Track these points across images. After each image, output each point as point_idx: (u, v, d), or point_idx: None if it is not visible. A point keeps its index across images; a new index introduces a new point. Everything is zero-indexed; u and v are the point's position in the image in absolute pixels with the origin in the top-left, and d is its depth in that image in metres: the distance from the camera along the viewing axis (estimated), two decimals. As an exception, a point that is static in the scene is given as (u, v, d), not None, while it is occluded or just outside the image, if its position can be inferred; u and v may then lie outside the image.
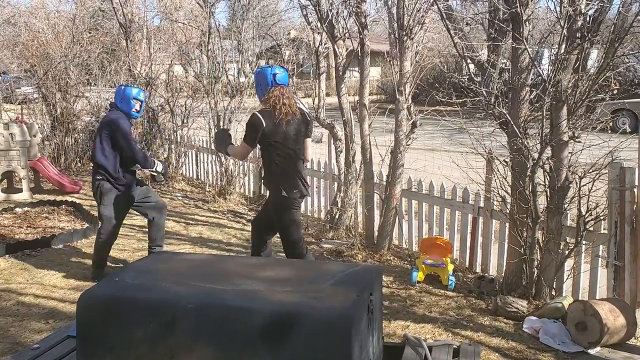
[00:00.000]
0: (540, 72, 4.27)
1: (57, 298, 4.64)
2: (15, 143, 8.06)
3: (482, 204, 5.09)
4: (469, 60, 5.17)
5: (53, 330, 3.98)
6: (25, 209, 7.44)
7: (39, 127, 9.67)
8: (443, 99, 5.15)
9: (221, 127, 4.70)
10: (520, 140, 4.24)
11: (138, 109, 5.05)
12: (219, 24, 8.63)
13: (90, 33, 10.90)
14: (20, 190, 8.27)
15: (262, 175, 4.50)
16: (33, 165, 8.56)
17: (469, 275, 5.07)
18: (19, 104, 11.64)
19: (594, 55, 5.40)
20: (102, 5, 13.50)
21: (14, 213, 7.26)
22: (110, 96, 10.31)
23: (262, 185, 7.93)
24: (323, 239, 6.17)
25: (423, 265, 4.93)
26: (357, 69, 6.44)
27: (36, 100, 11.04)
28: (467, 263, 5.27)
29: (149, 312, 2.19)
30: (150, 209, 5.24)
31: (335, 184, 6.57)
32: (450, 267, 4.89)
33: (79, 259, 5.60)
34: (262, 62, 10.16)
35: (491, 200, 4.96)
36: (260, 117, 4.14)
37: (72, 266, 5.39)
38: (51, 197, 7.89)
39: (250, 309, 2.11)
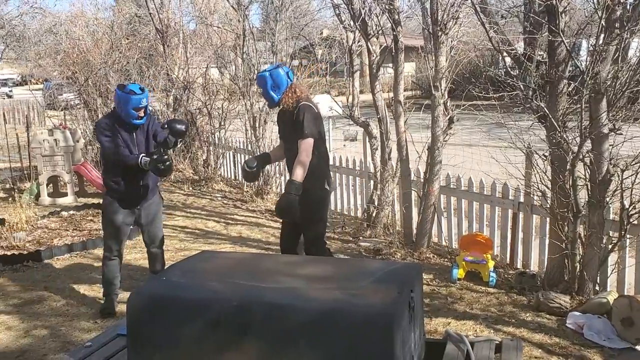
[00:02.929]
0: (578, 64, 4.20)
1: (103, 298, 4.78)
2: (60, 148, 8.32)
3: (522, 199, 5.03)
4: (504, 54, 5.12)
5: (101, 329, 4.12)
6: (71, 212, 7.68)
7: (81, 133, 9.96)
8: (480, 94, 5.11)
9: (247, 166, 4.38)
10: (559, 134, 4.18)
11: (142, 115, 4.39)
12: (252, 26, 8.73)
13: (128, 39, 11.17)
14: (66, 194, 8.54)
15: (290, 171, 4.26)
16: (77, 170, 8.82)
17: (510, 272, 5.03)
18: (62, 110, 12.01)
19: (635, 45, 5.27)
20: (139, 11, 13.80)
21: (60, 216, 7.50)
22: (150, 101, 10.55)
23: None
24: (360, 238, 6.19)
25: (463, 262, 4.91)
26: (390, 65, 6.43)
27: (78, 106, 11.36)
28: (507, 259, 5.22)
29: (195, 310, 2.26)
30: (148, 234, 4.67)
31: (372, 182, 6.58)
32: (491, 264, 4.85)
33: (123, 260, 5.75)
34: (295, 62, 10.22)
35: (531, 195, 4.90)
36: (314, 107, 4.07)
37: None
38: (95, 201, 8.12)
39: (292, 307, 2.16)
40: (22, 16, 12.25)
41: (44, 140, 8.27)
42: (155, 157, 4.30)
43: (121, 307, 4.50)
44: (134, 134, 4.42)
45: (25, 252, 5.88)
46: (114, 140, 4.32)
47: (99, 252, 5.92)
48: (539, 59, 5.29)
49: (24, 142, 9.62)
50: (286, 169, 7.99)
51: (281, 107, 4.22)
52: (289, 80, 4.17)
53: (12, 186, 9.34)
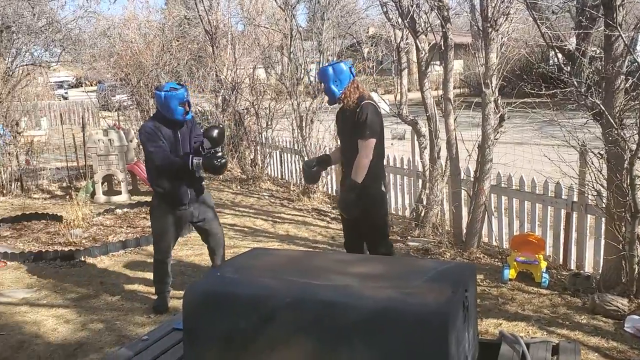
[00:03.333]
0: (636, 59, 4.06)
1: (155, 295, 4.91)
2: (114, 148, 8.58)
3: (575, 199, 4.90)
4: (556, 50, 5.00)
5: (154, 324, 4.23)
6: (125, 210, 7.91)
7: (134, 133, 10.23)
8: (531, 91, 5.01)
9: (306, 166, 4.36)
10: (616, 131, 4.05)
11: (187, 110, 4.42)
12: (299, 26, 8.79)
13: (178, 41, 11.41)
14: (120, 193, 8.80)
15: (348, 171, 4.15)
16: (130, 169, 9.07)
17: (563, 273, 4.90)
18: (115, 111, 12.37)
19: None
20: (188, 13, 14.08)
21: (115, 214, 7.73)
22: (200, 101, 10.76)
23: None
24: (409, 237, 6.15)
25: (515, 263, 4.82)
26: (438, 63, 6.36)
27: (130, 107, 11.68)
28: (560, 260, 5.09)
29: (249, 305, 2.29)
30: (205, 234, 4.72)
31: (420, 181, 6.53)
32: (543, 264, 4.75)
33: (175, 257, 5.88)
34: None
35: (585, 195, 4.77)
36: (377, 105, 3.96)
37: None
38: (147, 199, 8.31)
39: (346, 304, 2.16)
40: (78, 20, 12.65)
41: (99, 140, 8.54)
42: (209, 155, 4.34)
43: (173, 303, 4.61)
44: (179, 133, 4.42)
45: (81, 248, 6.08)
46: (160, 145, 4.32)
47: (151, 248, 6.08)
48: (593, 54, 5.15)
49: (80, 142, 9.96)
50: (333, 168, 8.01)
51: (341, 103, 4.12)
52: (351, 75, 4.06)
53: (68, 184, 9.70)
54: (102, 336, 4.15)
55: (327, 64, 4.17)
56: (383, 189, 4.09)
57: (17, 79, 10.58)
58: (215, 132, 4.38)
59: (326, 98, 4.30)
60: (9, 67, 10.98)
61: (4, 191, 9.16)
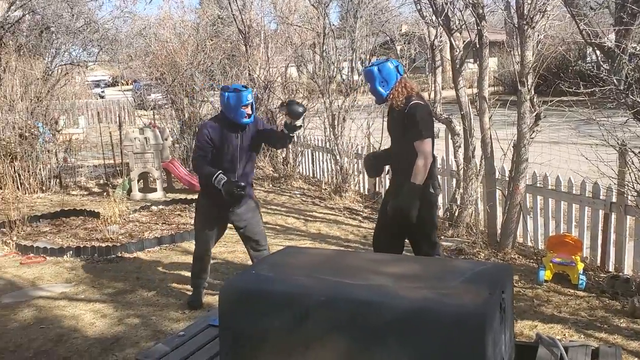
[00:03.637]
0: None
1: (191, 290, 4.97)
2: (150, 146, 8.72)
3: (614, 199, 4.79)
4: (595, 47, 4.89)
5: (189, 319, 4.29)
6: (160, 207, 8.04)
7: (169, 131, 10.39)
8: (569, 89, 4.91)
9: (369, 160, 4.32)
10: (658, 130, 3.95)
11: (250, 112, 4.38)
12: (331, 24, 8.78)
13: (212, 40, 11.52)
14: (155, 190, 8.95)
15: (397, 170, 4.09)
16: (165, 167, 9.21)
17: (601, 275, 4.80)
18: (151, 109, 12.57)
19: None
20: (221, 13, 14.21)
21: (150, 211, 7.86)
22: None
23: (379, 184, 7.97)
24: (442, 237, 6.09)
25: (551, 264, 4.74)
26: (471, 61, 6.29)
27: (166, 106, 11.85)
28: (598, 262, 4.98)
29: (284, 303, 2.31)
30: (245, 238, 4.64)
31: (454, 180, 6.47)
32: (580, 266, 4.66)
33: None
34: (374, 59, 10.19)
35: (625, 195, 4.65)
36: (429, 105, 3.85)
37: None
38: (182, 196, 8.47)
39: (381, 304, 2.16)
40: (114, 20, 12.91)
41: (135, 139, 8.70)
42: (233, 180, 4.30)
43: (207, 299, 4.67)
44: (241, 136, 4.39)
45: (118, 244, 6.21)
46: (202, 149, 4.34)
47: (186, 245, 6.17)
48: (633, 51, 5.01)
49: (117, 140, 10.16)
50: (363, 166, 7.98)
51: (390, 102, 4.01)
52: (398, 74, 3.93)
53: (105, 182, 9.91)
54: (138, 331, 4.23)
55: (371, 64, 4.02)
56: (432, 190, 3.95)
57: (56, 78, 10.84)
58: (298, 108, 4.23)
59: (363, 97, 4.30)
60: (48, 67, 11.26)
61: (44, 188, 9.40)
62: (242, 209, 4.50)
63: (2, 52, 10.07)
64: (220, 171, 4.28)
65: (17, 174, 9.01)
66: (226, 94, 4.30)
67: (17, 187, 8.99)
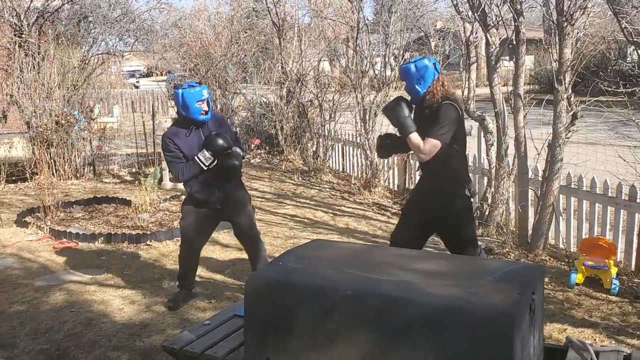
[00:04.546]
0: None
1: (218, 280, 5.01)
2: (181, 136, 8.78)
3: (652, 203, 4.66)
4: (637, 46, 4.75)
5: (215, 309, 4.32)
6: (189, 196, 8.10)
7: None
8: (608, 88, 4.78)
9: (382, 140, 4.17)
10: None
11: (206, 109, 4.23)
12: (366, 18, 8.73)
13: (246, 33, 11.57)
14: (185, 180, 9.03)
15: (425, 171, 4.00)
16: (196, 157, 9.27)
17: (635, 280, 4.67)
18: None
19: None
20: (256, 5, 14.26)
21: (180, 200, 7.91)
22: (265, 93, 10.88)
23: (409, 180, 7.91)
24: (471, 235, 6.02)
25: (583, 267, 4.63)
26: (506, 58, 6.17)
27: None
28: (632, 266, 4.85)
29: (310, 296, 2.30)
30: (237, 235, 4.60)
31: (485, 178, 6.37)
32: (614, 270, 4.54)
33: (237, 243, 5.99)
34: (407, 55, 10.10)
35: (664, 199, 4.53)
36: (459, 108, 3.71)
37: (231, 250, 5.78)
38: (211, 187, 8.52)
39: (408, 300, 2.14)
40: (151, 11, 13.06)
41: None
42: (228, 152, 4.17)
43: (230, 291, 4.70)
44: (202, 134, 4.26)
45: (148, 232, 6.29)
46: (173, 156, 4.24)
47: (215, 235, 6.18)
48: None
49: (150, 129, 10.28)
50: (396, 163, 7.91)
51: (420, 100, 3.85)
52: (436, 72, 3.79)
53: (137, 170, 10.05)
54: (165, 318, 4.28)
55: (408, 61, 3.87)
56: (467, 193, 3.80)
57: (93, 67, 11.01)
58: (219, 142, 4.12)
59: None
60: (85, 56, 11.45)
61: (78, 175, 9.58)
62: (229, 204, 4.39)
63: (41, 41, 10.27)
64: (196, 155, 4.16)
65: (52, 161, 9.20)
66: (179, 91, 4.18)
67: (52, 174, 9.18)
